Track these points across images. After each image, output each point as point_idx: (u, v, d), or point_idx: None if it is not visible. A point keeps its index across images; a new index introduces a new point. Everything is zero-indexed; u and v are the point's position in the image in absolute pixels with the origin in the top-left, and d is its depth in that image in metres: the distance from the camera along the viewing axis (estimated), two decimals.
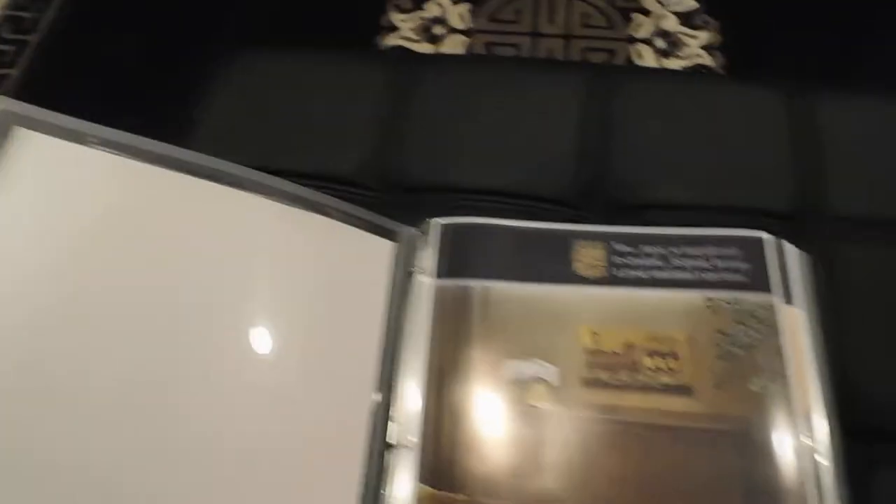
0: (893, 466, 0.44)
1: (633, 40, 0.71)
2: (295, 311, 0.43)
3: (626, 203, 0.54)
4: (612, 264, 0.47)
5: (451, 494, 0.41)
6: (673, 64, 0.80)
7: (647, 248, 0.47)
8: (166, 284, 0.39)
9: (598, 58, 0.68)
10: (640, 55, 0.67)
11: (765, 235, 0.47)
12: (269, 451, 0.38)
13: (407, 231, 0.49)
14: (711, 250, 0.46)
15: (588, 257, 0.47)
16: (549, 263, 0.47)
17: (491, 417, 0.44)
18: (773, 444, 0.41)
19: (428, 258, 0.48)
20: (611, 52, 0.66)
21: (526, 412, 0.43)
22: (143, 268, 0.39)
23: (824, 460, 0.40)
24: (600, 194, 0.54)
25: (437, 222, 0.49)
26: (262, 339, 0.42)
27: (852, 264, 0.49)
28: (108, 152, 0.41)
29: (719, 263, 0.46)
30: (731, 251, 0.46)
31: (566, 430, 0.43)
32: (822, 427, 0.41)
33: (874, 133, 0.53)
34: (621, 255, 0.47)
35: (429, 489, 0.41)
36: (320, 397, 0.42)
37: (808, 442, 0.41)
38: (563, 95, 0.58)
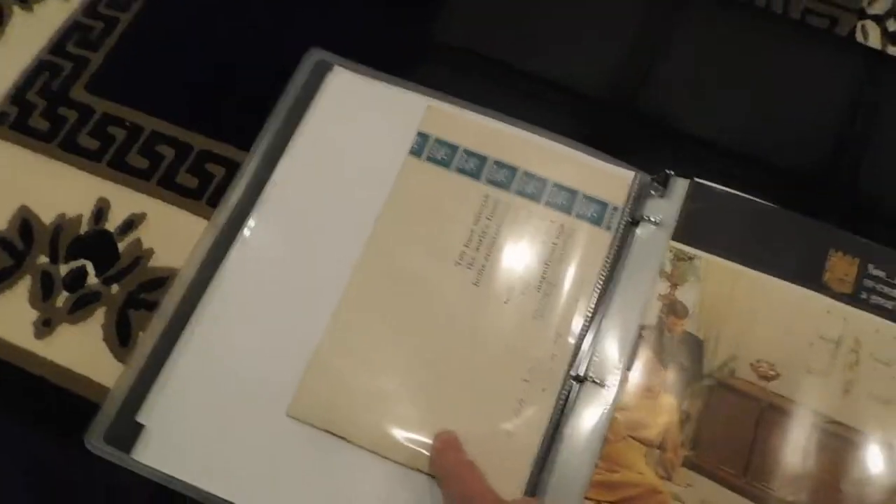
0: None
1: (862, 14, 0.56)
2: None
3: (868, 206, 0.50)
4: (862, 285, 0.44)
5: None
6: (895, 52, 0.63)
7: None
8: None
9: (814, 22, 0.56)
10: (864, 32, 0.54)
11: None
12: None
13: (642, 176, 0.48)
14: None
15: (840, 270, 0.44)
16: (798, 262, 0.45)
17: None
18: None
19: (664, 212, 0.46)
20: (833, 20, 0.53)
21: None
22: None
23: None
24: (845, 187, 0.50)
25: (685, 180, 0.47)
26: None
27: None
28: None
29: None
30: None
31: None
32: None
33: None
34: (874, 278, 0.44)
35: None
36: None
37: None
38: (830, 72, 0.53)
